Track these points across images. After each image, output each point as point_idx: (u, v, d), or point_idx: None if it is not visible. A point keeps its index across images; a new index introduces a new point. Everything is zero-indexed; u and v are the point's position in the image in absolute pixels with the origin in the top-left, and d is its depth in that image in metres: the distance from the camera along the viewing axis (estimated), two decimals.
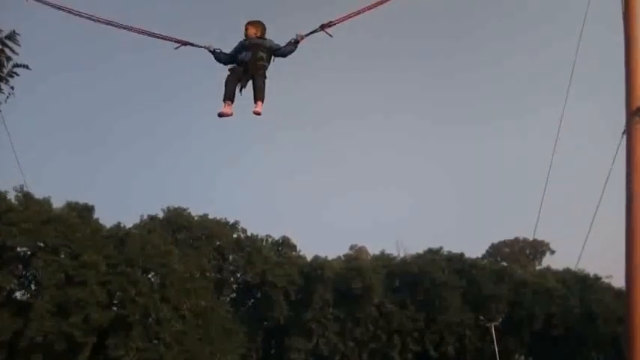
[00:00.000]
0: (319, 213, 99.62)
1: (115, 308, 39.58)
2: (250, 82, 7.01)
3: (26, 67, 11.99)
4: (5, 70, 11.56)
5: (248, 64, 6.88)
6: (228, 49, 7.19)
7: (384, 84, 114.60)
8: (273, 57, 7.07)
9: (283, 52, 7.00)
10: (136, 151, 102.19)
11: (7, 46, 11.59)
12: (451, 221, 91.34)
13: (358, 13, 6.79)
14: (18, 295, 40.54)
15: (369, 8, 6.82)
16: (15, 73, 11.84)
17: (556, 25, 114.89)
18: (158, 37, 7.01)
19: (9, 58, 11.71)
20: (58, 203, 42.56)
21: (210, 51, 7.07)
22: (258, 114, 6.89)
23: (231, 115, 6.96)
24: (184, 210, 49.86)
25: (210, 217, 50.30)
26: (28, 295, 39.99)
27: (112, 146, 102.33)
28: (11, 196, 40.05)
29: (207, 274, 46.45)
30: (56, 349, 36.28)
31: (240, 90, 7.01)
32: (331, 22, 6.72)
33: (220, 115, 6.92)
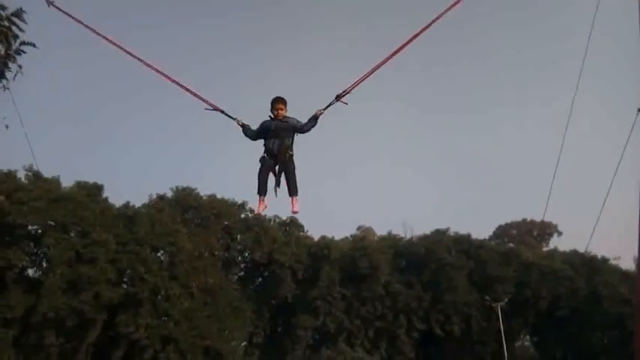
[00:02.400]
0: (327, 194, 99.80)
1: (124, 286, 40.14)
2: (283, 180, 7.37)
3: (33, 45, 11.96)
4: (13, 48, 11.54)
5: (277, 155, 7.26)
6: (253, 122, 7.41)
7: (393, 68, 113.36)
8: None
9: (306, 129, 7.34)
10: (145, 131, 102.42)
11: (14, 24, 11.53)
12: (459, 202, 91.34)
13: (367, 76, 7.22)
14: (30, 272, 41.20)
15: (376, 69, 7.25)
16: (22, 50, 11.81)
17: (570, 8, 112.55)
18: (194, 95, 7.36)
19: (16, 36, 11.66)
20: (67, 182, 42.93)
21: (239, 124, 7.37)
22: (296, 212, 7.41)
23: (266, 208, 7.41)
24: (193, 190, 50.04)
25: (219, 197, 50.50)
26: (40, 273, 40.60)
27: (120, 126, 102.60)
28: (21, 174, 40.40)
29: (216, 253, 46.85)
30: (68, 324, 36.99)
31: (275, 188, 7.36)
32: (344, 91, 7.16)
33: (258, 214, 7.44)
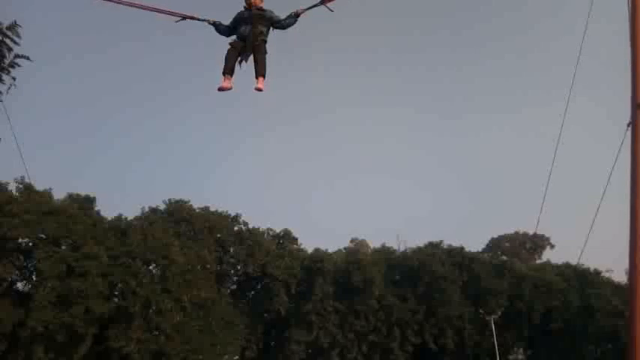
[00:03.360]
0: (320, 206, 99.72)
1: (116, 299, 39.71)
2: (251, 58, 6.97)
3: (27, 58, 12.01)
4: (6, 61, 11.55)
5: (248, 38, 6.84)
6: (227, 21, 7.12)
7: (384, 76, 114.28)
8: (272, 28, 7.03)
9: (283, 24, 6.95)
10: (136, 144, 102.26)
11: (8, 37, 11.57)
12: (452, 215, 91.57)
13: None
14: (19, 285, 40.69)
15: None
16: (16, 63, 11.83)
17: (560, 19, 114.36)
18: (159, 12, 6.91)
19: (10, 49, 11.70)
20: (59, 195, 42.63)
21: (210, 23, 7.03)
22: (260, 90, 6.88)
23: (230, 88, 6.94)
24: (186, 202, 49.83)
25: (212, 209, 50.30)
26: (30, 286, 40.11)
27: (112, 138, 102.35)
28: (12, 187, 40.12)
29: (208, 266, 46.53)
30: (57, 339, 36.46)
31: (240, 63, 6.97)
32: None
33: (220, 89, 6.91)
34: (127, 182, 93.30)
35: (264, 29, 6.95)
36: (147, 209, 47.80)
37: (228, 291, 49.69)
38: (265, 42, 6.95)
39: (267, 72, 6.87)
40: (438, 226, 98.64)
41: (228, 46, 6.96)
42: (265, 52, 6.92)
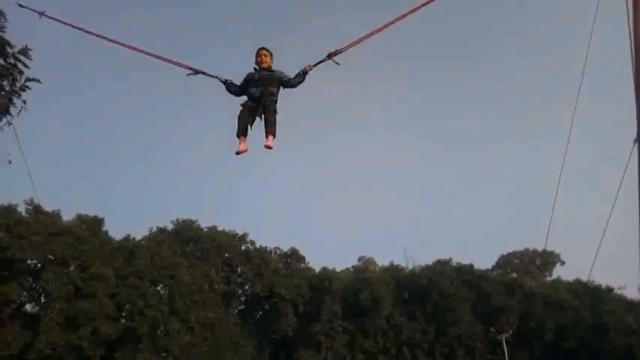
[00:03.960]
0: (328, 224, 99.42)
1: (123, 320, 39.61)
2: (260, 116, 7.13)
3: (38, 81, 12.21)
4: (18, 85, 11.78)
5: (260, 100, 7.03)
6: (235, 76, 7.34)
7: (392, 95, 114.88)
8: (282, 87, 7.23)
9: (293, 83, 7.15)
10: (145, 164, 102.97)
11: (20, 61, 11.82)
12: (460, 232, 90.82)
13: (364, 38, 6.99)
14: (28, 307, 40.69)
15: (374, 33, 7.03)
16: (27, 87, 12.05)
17: (565, 36, 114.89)
18: (172, 63, 7.24)
19: (21, 73, 11.94)
20: (67, 216, 42.90)
21: (221, 81, 7.25)
22: (270, 148, 7.04)
23: (246, 151, 7.14)
24: (193, 222, 49.97)
25: (219, 229, 50.36)
26: (38, 308, 40.11)
27: (121, 159, 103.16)
28: (21, 208, 40.40)
29: (216, 286, 46.38)
30: None
31: (251, 124, 7.14)
32: (337, 50, 6.90)
33: (237, 153, 7.12)
34: (135, 202, 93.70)
35: (275, 89, 7.13)
36: (155, 229, 48.01)
37: (236, 311, 49.44)
38: (276, 102, 7.14)
39: (277, 129, 7.03)
40: (446, 242, 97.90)
41: (240, 107, 7.17)
42: (276, 112, 7.12)
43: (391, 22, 7.05)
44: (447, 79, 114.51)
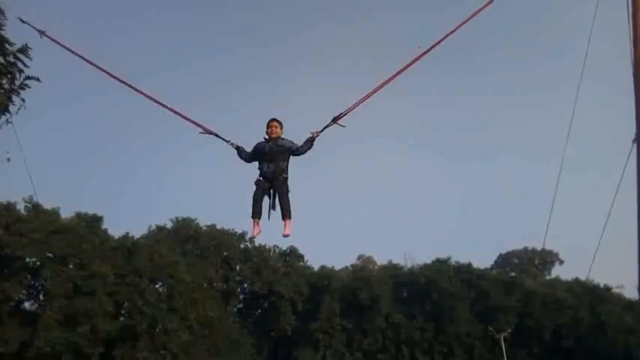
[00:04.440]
0: (327, 223, 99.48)
1: (122, 318, 39.61)
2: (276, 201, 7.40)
3: (37, 79, 12.21)
4: (17, 83, 11.77)
5: (272, 178, 7.32)
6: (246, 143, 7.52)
7: (391, 98, 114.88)
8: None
9: (302, 151, 7.37)
10: (145, 162, 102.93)
11: (19, 59, 11.82)
12: (459, 231, 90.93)
13: (365, 98, 7.22)
14: (26, 305, 40.69)
15: (373, 93, 7.27)
16: (26, 85, 12.05)
17: (563, 35, 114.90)
18: (185, 119, 7.48)
19: (21, 71, 11.93)
20: (67, 214, 42.85)
21: (233, 147, 7.46)
22: (288, 236, 7.40)
23: (260, 233, 7.49)
24: (192, 220, 49.94)
25: (218, 227, 50.35)
26: (37, 306, 40.10)
27: (121, 157, 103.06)
28: (20, 206, 40.36)
29: (215, 285, 46.39)
30: (63, 359, 36.29)
31: (269, 215, 7.40)
32: (341, 113, 7.17)
33: (252, 238, 7.51)
34: (134, 200, 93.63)
35: (285, 164, 7.36)
36: (154, 227, 47.99)
37: (235, 309, 49.44)
38: (287, 179, 7.36)
39: (291, 212, 7.34)
40: (445, 241, 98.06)
41: (254, 187, 7.37)
42: (288, 192, 7.39)
43: (388, 81, 7.31)
44: (445, 84, 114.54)
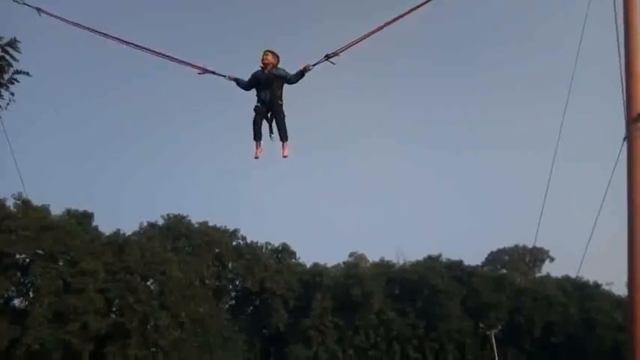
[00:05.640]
0: (319, 220, 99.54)
1: (113, 315, 39.40)
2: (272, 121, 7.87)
3: (27, 73, 12.06)
4: (6, 77, 11.62)
5: (269, 104, 7.81)
6: (243, 75, 7.97)
7: (382, 93, 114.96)
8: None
9: (293, 81, 7.79)
10: (135, 159, 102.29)
11: (8, 53, 11.66)
12: (450, 229, 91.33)
13: (358, 41, 7.29)
14: (16, 302, 40.36)
15: (368, 35, 7.30)
16: (15, 79, 11.90)
17: (554, 33, 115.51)
18: (181, 63, 7.70)
19: (9, 65, 11.78)
20: (57, 210, 42.51)
21: (231, 79, 7.88)
22: (286, 157, 7.90)
23: (261, 152, 8.00)
24: (184, 217, 49.77)
25: (210, 224, 50.21)
26: (26, 303, 39.77)
27: (111, 153, 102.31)
28: (10, 203, 39.99)
29: (207, 282, 46.29)
30: (53, 357, 36.05)
31: (270, 136, 7.90)
32: (335, 52, 7.34)
33: (256, 157, 7.96)
34: (125, 197, 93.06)
35: (280, 91, 7.82)
36: (145, 224, 47.78)
37: (227, 306, 49.39)
38: (282, 104, 7.83)
39: (288, 131, 7.82)
40: (437, 239, 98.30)
41: (253, 113, 7.87)
42: (284, 116, 7.87)
43: (382, 26, 7.26)
44: (439, 84, 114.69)
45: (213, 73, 7.69)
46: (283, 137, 7.78)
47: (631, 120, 6.84)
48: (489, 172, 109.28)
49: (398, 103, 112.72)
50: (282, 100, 7.82)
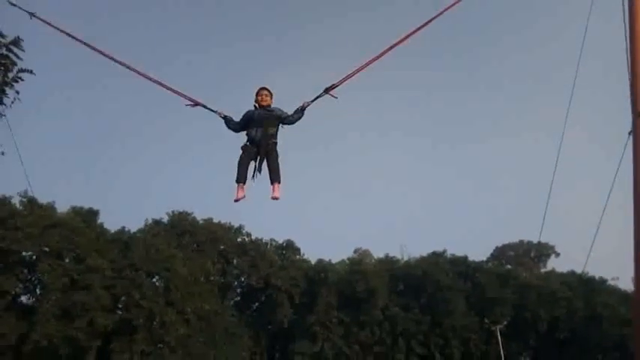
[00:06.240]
0: (323, 216, 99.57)
1: (119, 312, 39.64)
2: (264, 166, 7.19)
3: (31, 72, 12.09)
4: (10, 75, 11.66)
5: (260, 143, 7.09)
6: (235, 113, 7.43)
7: (386, 92, 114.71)
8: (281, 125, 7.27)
9: (291, 120, 7.20)
10: (140, 156, 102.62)
11: (12, 52, 11.69)
12: (455, 224, 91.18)
13: (358, 71, 7.06)
14: (23, 299, 40.69)
15: (367, 65, 7.11)
16: (20, 78, 11.92)
17: (559, 28, 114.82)
18: (172, 91, 7.27)
19: (14, 64, 11.80)
20: (62, 208, 42.75)
21: (221, 117, 7.29)
22: (276, 199, 7.06)
23: (244, 197, 7.17)
24: (189, 214, 49.89)
25: (215, 221, 50.31)
26: (33, 300, 40.09)
27: (117, 151, 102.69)
28: (16, 201, 40.25)
29: (212, 278, 46.43)
30: (61, 353, 36.34)
31: (254, 175, 7.17)
32: (333, 84, 7.01)
33: (236, 201, 7.14)
34: (130, 194, 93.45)
35: (274, 130, 7.16)
36: (150, 221, 47.90)
37: (232, 303, 49.54)
38: (276, 144, 7.18)
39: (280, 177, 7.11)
40: (441, 234, 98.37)
41: (240, 152, 7.19)
42: (277, 157, 7.16)
43: (383, 53, 7.13)
44: (442, 78, 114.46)
45: (204, 106, 7.21)
46: (275, 179, 7.04)
47: (636, 114, 6.80)
48: (494, 166, 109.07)
49: (402, 97, 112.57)
50: (276, 139, 7.18)
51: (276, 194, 7.03)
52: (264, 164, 7.18)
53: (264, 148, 7.08)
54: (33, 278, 40.52)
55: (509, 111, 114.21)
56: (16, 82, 11.61)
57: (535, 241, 63.76)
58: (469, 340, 48.48)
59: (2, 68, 11.26)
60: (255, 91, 7.35)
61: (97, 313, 36.91)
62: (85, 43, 7.51)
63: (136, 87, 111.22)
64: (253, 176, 7.17)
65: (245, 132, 7.26)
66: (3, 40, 11.32)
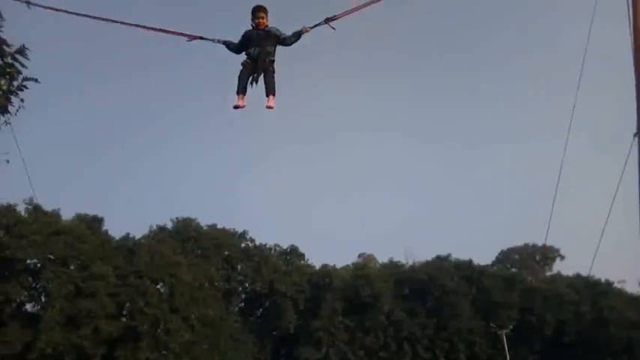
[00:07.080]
0: (327, 221, 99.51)
1: (124, 319, 39.62)
2: (261, 79, 7.38)
3: (36, 80, 12.14)
4: (15, 84, 11.72)
5: (258, 60, 7.27)
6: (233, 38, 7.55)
7: (391, 94, 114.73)
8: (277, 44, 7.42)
9: (288, 42, 7.34)
10: (145, 163, 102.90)
11: (17, 61, 11.76)
12: (460, 228, 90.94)
13: (361, 7, 7.09)
14: (28, 307, 40.70)
15: (370, 4, 7.13)
16: (25, 86, 11.99)
17: (564, 32, 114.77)
18: (169, 33, 7.42)
19: (19, 72, 11.88)
20: (67, 215, 42.86)
21: (220, 42, 7.45)
22: (271, 108, 7.29)
23: (244, 106, 7.37)
24: (193, 220, 49.95)
25: (219, 227, 50.35)
26: (38, 307, 40.11)
27: (121, 158, 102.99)
28: (21, 208, 40.36)
29: (216, 284, 46.41)
30: None
31: (252, 83, 7.37)
32: (335, 16, 7.03)
33: (235, 107, 7.33)
34: (134, 201, 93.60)
35: (272, 49, 7.34)
36: (155, 228, 47.98)
37: (236, 309, 49.47)
38: (273, 61, 7.34)
39: (276, 90, 7.32)
40: (446, 238, 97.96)
41: (241, 67, 7.37)
42: (274, 72, 7.35)
43: None
44: (447, 79, 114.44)
45: (202, 38, 7.36)
46: (270, 91, 7.28)
47: None
48: (499, 169, 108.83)
49: (407, 100, 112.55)
50: (273, 57, 7.35)
51: (271, 104, 7.26)
52: (261, 78, 7.36)
53: (261, 65, 7.27)
54: (38, 286, 40.56)
55: (514, 113, 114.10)
56: (21, 90, 11.67)
57: (540, 244, 63.58)
58: (475, 344, 48.22)
59: (8, 77, 11.32)
60: (251, 9, 7.44)
61: (102, 321, 36.90)
62: (87, 16, 7.60)
63: (141, 94, 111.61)
64: (251, 85, 7.35)
65: (244, 52, 7.43)
66: (8, 50, 11.40)
